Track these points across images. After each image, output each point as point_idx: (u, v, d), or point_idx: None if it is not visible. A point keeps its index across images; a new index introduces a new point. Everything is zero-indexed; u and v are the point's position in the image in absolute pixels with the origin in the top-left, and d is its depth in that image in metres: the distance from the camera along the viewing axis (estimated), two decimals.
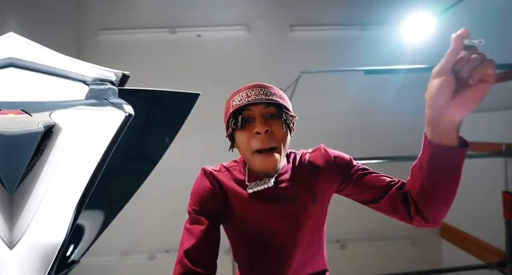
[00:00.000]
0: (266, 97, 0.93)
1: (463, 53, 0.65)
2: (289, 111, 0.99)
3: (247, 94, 0.94)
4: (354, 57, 3.79)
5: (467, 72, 0.65)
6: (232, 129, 0.96)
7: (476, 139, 3.41)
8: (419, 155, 0.83)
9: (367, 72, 2.78)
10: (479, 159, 3.15)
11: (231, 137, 1.01)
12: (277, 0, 4.10)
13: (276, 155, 0.92)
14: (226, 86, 4.11)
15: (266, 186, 0.96)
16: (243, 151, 0.96)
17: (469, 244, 3.64)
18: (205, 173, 1.05)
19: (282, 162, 0.98)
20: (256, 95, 0.93)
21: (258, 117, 0.92)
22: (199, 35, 4.00)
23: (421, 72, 3.72)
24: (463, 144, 0.77)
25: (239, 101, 0.94)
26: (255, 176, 1.00)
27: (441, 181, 0.81)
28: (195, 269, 0.87)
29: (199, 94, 1.18)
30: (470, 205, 3.55)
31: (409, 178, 0.92)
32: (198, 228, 0.94)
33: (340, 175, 1.05)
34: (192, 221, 0.98)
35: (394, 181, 1.00)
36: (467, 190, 3.56)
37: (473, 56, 0.64)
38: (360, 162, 1.07)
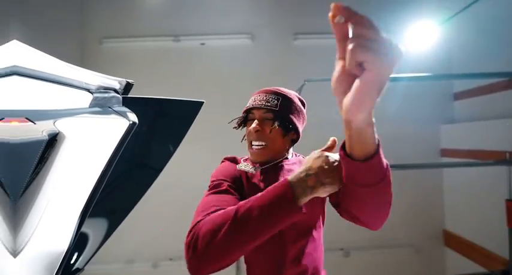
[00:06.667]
0: (266, 103, 1.11)
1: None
2: (288, 116, 1.12)
3: (255, 98, 1.14)
4: None
5: (343, 57, 0.52)
6: (243, 124, 1.19)
7: (479, 147, 3.38)
8: None
9: None
10: (483, 167, 3.12)
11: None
12: (281, 8, 4.10)
13: (263, 150, 1.10)
14: (230, 94, 4.12)
15: (249, 170, 1.12)
16: (247, 141, 1.15)
17: (473, 252, 3.60)
18: (231, 159, 1.21)
19: (271, 156, 1.12)
20: (260, 101, 1.12)
21: (257, 119, 1.12)
22: (203, 44, 4.01)
23: (424, 81, 3.71)
24: (370, 155, 0.66)
25: (249, 103, 1.15)
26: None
27: (354, 189, 0.74)
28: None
29: (203, 102, 1.19)
30: (474, 213, 3.49)
31: None
32: (226, 196, 1.00)
33: None
34: (219, 190, 1.03)
35: None
36: (471, 198, 3.55)
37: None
38: None
